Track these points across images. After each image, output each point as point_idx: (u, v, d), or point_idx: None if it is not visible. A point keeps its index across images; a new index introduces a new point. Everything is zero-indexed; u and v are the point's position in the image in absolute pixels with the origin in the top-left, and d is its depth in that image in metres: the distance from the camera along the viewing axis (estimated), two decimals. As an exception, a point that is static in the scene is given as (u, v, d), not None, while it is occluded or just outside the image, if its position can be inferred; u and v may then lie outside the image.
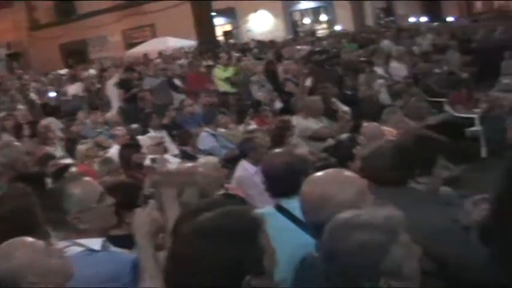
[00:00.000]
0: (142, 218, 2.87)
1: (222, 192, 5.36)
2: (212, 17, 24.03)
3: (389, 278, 1.96)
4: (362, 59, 15.25)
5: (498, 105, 10.33)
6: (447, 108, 11.34)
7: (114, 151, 7.99)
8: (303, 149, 7.54)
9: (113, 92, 14.00)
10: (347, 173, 2.66)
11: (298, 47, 20.45)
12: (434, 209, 3.01)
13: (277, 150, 3.98)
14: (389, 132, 6.26)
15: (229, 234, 2.12)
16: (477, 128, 10.13)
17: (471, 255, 2.66)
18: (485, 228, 2.78)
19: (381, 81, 12.64)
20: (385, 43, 18.77)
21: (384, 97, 12.07)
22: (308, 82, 12.60)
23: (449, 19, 29.74)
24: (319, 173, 2.66)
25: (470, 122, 10.48)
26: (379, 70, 13.59)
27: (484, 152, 9.54)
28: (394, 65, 13.94)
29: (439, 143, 3.26)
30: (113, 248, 3.19)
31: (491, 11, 32.95)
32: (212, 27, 23.83)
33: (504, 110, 10.17)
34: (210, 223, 2.18)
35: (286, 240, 2.76)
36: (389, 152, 3.28)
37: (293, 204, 3.08)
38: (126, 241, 3.06)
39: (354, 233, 1.98)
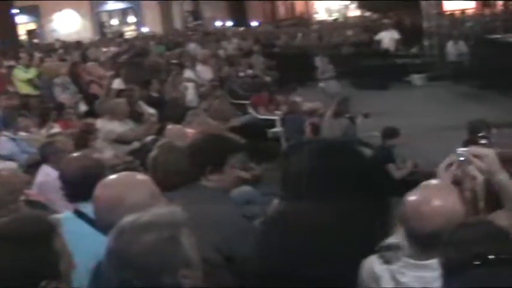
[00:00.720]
0: None
1: (22, 198, 5.18)
2: (14, 14, 22.97)
3: (184, 269, 2.03)
4: (174, 61, 15.38)
5: (297, 107, 10.92)
6: (250, 110, 11.77)
7: None
8: (107, 153, 7.48)
9: None
10: (140, 175, 2.72)
11: (105, 48, 20.17)
12: (223, 205, 3.15)
13: (74, 154, 3.94)
14: (193, 134, 6.39)
15: (23, 239, 2.11)
16: (278, 129, 10.62)
17: (256, 249, 2.81)
18: (272, 222, 2.96)
19: (188, 83, 12.82)
20: (192, 46, 19.06)
21: (193, 99, 12.28)
22: (115, 84, 12.48)
23: (254, 24, 30.80)
24: (111, 176, 2.69)
25: (272, 123, 10.98)
26: (188, 73, 13.75)
27: (284, 152, 10.00)
28: (200, 68, 14.18)
29: (230, 142, 3.42)
30: None
31: (293, 17, 34.61)
32: (14, 25, 22.77)
33: (303, 112, 10.80)
34: (4, 229, 2.16)
35: (84, 244, 2.75)
36: (179, 153, 3.39)
37: (91, 208, 3.08)
38: None
39: (142, 235, 2.02)
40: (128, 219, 2.10)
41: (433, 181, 2.61)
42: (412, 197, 2.50)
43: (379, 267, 2.54)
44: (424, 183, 2.59)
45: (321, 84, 14.96)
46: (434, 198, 2.45)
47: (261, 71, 16.81)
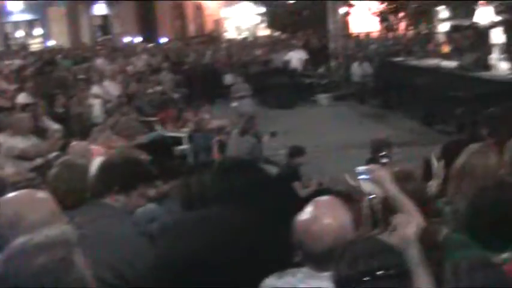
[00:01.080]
0: None
1: None
2: None
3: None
4: (81, 76, 15.12)
5: (204, 125, 10.96)
6: (158, 127, 11.71)
7: None
8: (9, 169, 7.27)
9: None
10: (40, 193, 2.68)
11: (8, 61, 19.63)
12: (122, 224, 3.13)
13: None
14: (97, 150, 6.32)
15: None
16: (185, 146, 10.60)
17: (144, 264, 2.82)
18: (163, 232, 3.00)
19: (94, 99, 12.65)
20: (99, 61, 18.82)
21: (99, 115, 12.12)
22: (20, 98, 12.17)
23: (164, 40, 30.67)
24: (11, 194, 2.64)
25: (179, 140, 10.94)
26: (95, 88, 13.57)
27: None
28: (107, 83, 14.02)
29: (145, 170, 3.42)
30: None
31: (202, 35, 34.69)
32: None
33: (210, 129, 10.84)
34: None
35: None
36: (80, 170, 3.37)
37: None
38: None
39: (33, 258, 1.98)
40: (18, 241, 2.06)
41: (323, 198, 2.66)
42: (302, 216, 2.53)
43: (279, 281, 2.56)
44: (314, 200, 2.63)
45: (234, 104, 14.98)
46: (323, 217, 2.49)
47: (169, 88, 16.78)
